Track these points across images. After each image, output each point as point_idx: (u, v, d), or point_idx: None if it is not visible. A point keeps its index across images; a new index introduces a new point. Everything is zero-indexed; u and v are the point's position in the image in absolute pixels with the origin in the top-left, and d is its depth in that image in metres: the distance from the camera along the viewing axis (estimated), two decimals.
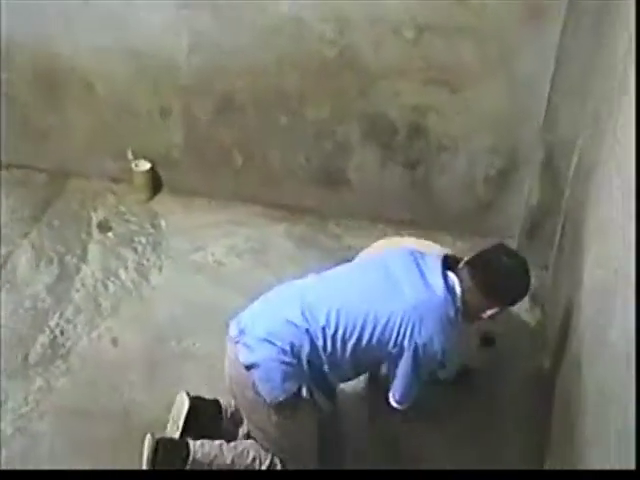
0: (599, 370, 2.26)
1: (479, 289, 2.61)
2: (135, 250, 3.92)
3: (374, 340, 2.59)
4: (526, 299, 3.60)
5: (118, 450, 3.02)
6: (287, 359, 2.60)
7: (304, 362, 2.61)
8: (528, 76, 3.45)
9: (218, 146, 4.00)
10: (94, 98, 4.00)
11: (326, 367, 2.65)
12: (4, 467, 3.00)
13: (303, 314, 2.62)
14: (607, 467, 1.96)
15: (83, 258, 3.87)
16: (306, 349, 2.60)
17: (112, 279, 3.77)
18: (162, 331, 3.50)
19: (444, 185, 3.86)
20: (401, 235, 3.95)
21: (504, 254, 2.68)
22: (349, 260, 3.79)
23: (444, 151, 3.75)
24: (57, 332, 3.52)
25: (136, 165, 4.13)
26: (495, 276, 2.63)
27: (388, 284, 2.64)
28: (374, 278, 2.69)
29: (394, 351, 2.61)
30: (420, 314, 2.56)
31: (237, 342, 2.69)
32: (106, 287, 3.73)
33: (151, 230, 4.04)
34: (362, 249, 3.87)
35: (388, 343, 2.60)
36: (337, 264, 3.76)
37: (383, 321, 2.57)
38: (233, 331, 2.73)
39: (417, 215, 3.99)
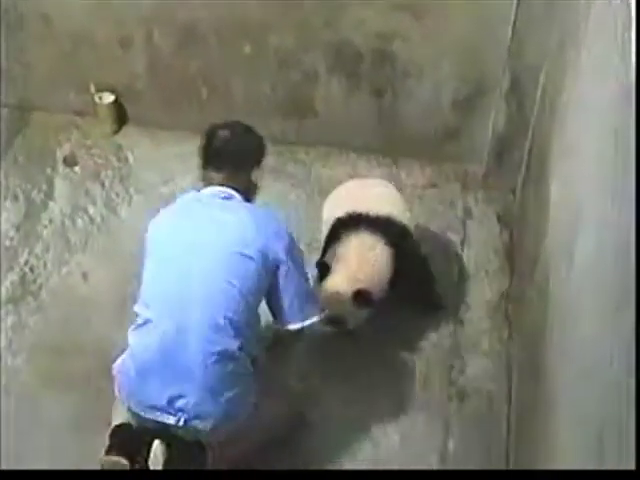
0: (565, 292, 2.31)
1: (228, 172, 2.70)
2: (102, 184, 3.89)
3: (254, 283, 2.58)
4: (495, 223, 3.70)
5: (91, 385, 3.06)
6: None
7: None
8: (494, 2, 3.41)
9: (182, 77, 3.93)
10: (51, 30, 3.89)
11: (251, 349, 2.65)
12: None
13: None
14: (570, 380, 2.03)
15: (50, 194, 3.83)
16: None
17: (80, 214, 3.75)
18: (133, 265, 3.47)
19: (411, 112, 3.84)
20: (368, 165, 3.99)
21: (220, 131, 2.80)
22: (321, 191, 3.84)
23: (410, 78, 3.72)
24: (27, 269, 3.51)
25: (99, 98, 4.05)
26: (218, 149, 2.75)
27: (212, 233, 2.61)
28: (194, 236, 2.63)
29: (271, 271, 2.62)
30: (256, 227, 2.60)
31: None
32: (74, 222, 3.71)
33: (118, 164, 4.00)
34: (331, 178, 3.91)
35: (267, 273, 2.60)
36: (306, 194, 3.84)
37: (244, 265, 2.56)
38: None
39: (385, 143, 3.99)
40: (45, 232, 3.66)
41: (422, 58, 3.65)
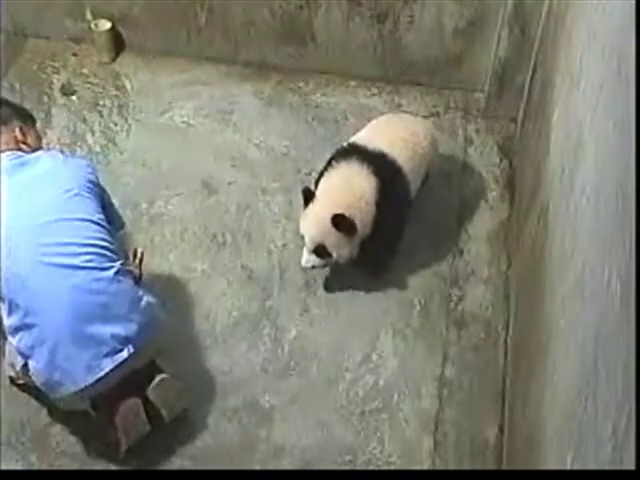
0: (565, 217, 2.31)
1: None
2: (101, 114, 3.85)
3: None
4: (496, 152, 3.68)
5: None
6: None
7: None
8: None
9: (180, 2, 3.86)
10: None
11: None
12: None
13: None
14: (567, 303, 2.04)
15: (48, 123, 3.79)
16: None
17: (79, 144, 3.72)
18: (132, 195, 3.50)
19: (412, 38, 3.78)
20: (372, 94, 3.94)
21: None
22: (320, 120, 3.81)
23: (412, 3, 3.64)
24: None
25: (96, 25, 3.98)
26: None
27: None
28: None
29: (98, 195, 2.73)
30: (58, 170, 2.69)
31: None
32: (73, 151, 3.68)
33: (116, 92, 3.95)
34: (330, 107, 3.88)
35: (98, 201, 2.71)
36: (306, 123, 3.81)
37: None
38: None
39: (386, 70, 3.94)
40: None
41: None
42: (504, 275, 3.30)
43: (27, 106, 3.76)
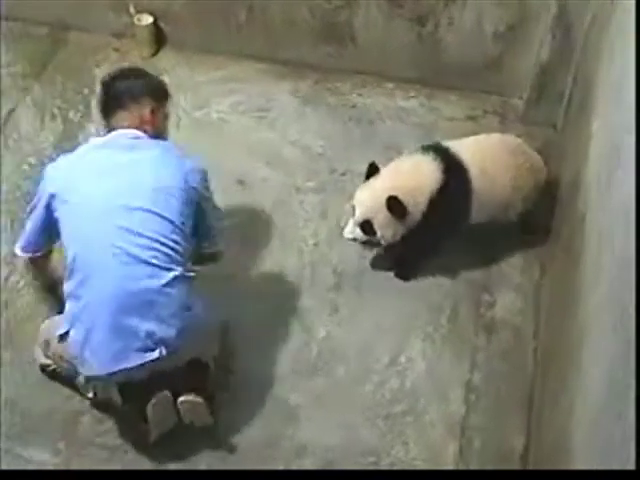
0: (601, 230, 2.29)
1: (121, 111, 2.72)
2: None
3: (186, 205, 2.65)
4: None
5: None
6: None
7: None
8: None
9: (221, 0, 3.88)
10: None
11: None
12: (18, 317, 3.11)
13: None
14: (600, 309, 2.02)
15: (87, 115, 3.83)
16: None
17: None
18: None
19: (452, 41, 3.76)
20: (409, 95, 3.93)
21: (106, 79, 2.85)
22: (356, 120, 3.81)
23: (453, 5, 3.62)
24: None
25: (138, 19, 4.02)
26: (109, 92, 2.77)
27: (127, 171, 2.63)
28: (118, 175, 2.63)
29: (194, 200, 2.68)
30: (164, 160, 2.65)
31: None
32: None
33: None
34: (367, 107, 3.87)
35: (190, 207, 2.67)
36: (342, 123, 3.80)
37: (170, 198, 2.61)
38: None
39: (424, 73, 3.92)
40: None
41: None
42: (536, 282, 3.28)
43: (67, 97, 3.87)
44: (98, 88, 2.84)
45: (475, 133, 3.69)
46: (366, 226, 3.08)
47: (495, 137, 3.39)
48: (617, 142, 2.23)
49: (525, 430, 2.87)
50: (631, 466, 1.34)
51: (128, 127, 2.70)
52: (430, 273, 3.30)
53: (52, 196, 2.64)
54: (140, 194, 2.59)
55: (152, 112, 2.75)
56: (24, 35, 4.13)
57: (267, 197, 3.54)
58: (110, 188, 2.59)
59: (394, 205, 3.00)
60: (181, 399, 2.67)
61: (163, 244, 2.57)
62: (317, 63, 4.00)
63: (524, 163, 3.22)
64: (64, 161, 2.74)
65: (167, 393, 2.66)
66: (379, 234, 3.08)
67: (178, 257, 2.60)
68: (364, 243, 3.18)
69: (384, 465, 2.81)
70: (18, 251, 2.83)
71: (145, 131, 2.72)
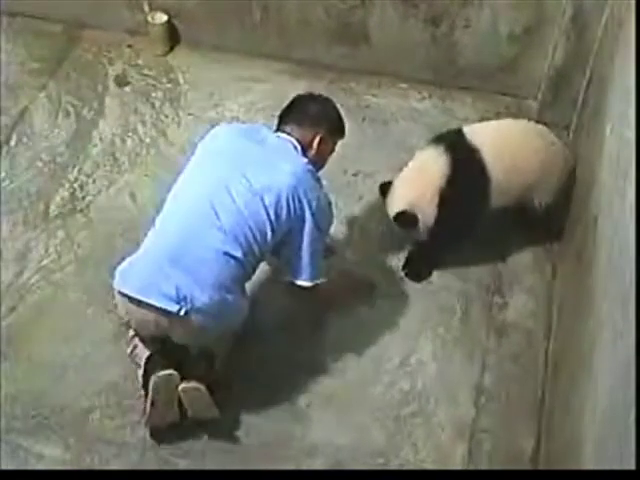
0: (613, 234, 2.27)
1: (295, 123, 2.83)
2: (153, 105, 3.89)
3: (276, 225, 2.69)
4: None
5: None
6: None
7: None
8: None
9: None
10: None
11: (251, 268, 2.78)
12: (29, 314, 3.12)
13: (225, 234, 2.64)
14: (613, 311, 2.01)
15: (100, 112, 3.85)
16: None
17: (130, 134, 3.77)
18: None
19: (467, 43, 3.75)
20: (421, 96, 3.92)
21: (303, 95, 3.00)
22: (370, 121, 3.80)
23: (468, 6, 3.62)
24: (76, 186, 3.56)
25: (152, 17, 4.03)
26: (298, 106, 2.90)
27: (254, 166, 2.71)
28: (236, 166, 2.71)
29: (296, 226, 2.71)
30: (297, 179, 2.69)
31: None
32: (124, 142, 3.73)
33: (168, 85, 3.99)
34: (380, 107, 3.87)
35: (289, 221, 2.70)
36: (356, 124, 3.80)
37: (275, 203, 2.66)
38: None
39: (438, 74, 3.92)
40: (95, 150, 3.70)
41: None
42: (548, 285, 3.26)
43: (81, 94, 3.88)
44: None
45: None
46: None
47: (522, 121, 3.37)
48: (630, 147, 2.21)
49: (535, 433, 2.86)
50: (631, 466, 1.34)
51: (294, 138, 2.81)
52: (441, 274, 3.29)
53: (196, 145, 2.86)
54: (257, 182, 2.66)
55: (321, 140, 2.84)
56: (39, 32, 4.15)
57: None
58: (237, 165, 2.70)
59: (402, 220, 3.10)
60: (182, 386, 2.67)
61: (249, 227, 2.63)
62: (332, 63, 4.00)
63: (553, 146, 3.20)
64: (226, 126, 2.94)
65: (174, 373, 2.67)
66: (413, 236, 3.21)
67: (248, 248, 2.65)
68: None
69: (393, 466, 2.80)
70: None
71: (305, 152, 2.81)
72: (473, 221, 3.16)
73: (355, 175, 3.60)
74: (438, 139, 3.19)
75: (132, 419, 2.85)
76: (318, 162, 2.88)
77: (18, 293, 3.19)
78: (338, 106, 2.98)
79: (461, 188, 3.05)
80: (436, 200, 3.06)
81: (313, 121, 2.85)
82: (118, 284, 2.67)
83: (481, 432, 2.89)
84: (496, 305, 3.22)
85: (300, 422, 2.89)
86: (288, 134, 2.82)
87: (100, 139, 3.74)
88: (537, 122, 3.42)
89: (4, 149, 3.66)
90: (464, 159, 3.07)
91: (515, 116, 3.82)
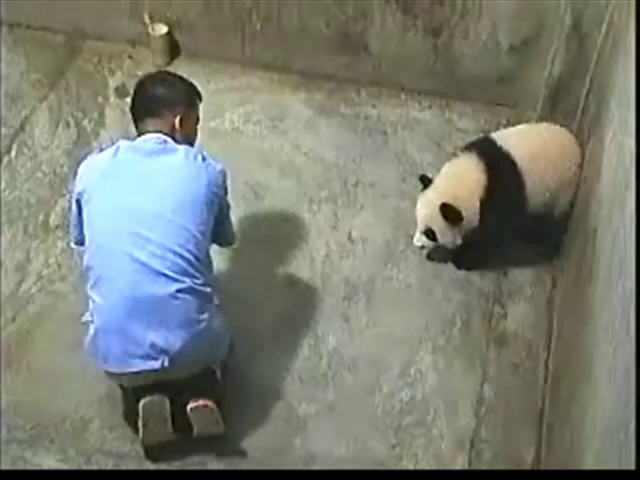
0: (612, 245, 2.27)
1: (149, 116, 2.73)
2: None
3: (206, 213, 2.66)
4: None
5: None
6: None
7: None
8: None
9: (235, 9, 3.89)
10: None
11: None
12: (30, 324, 3.12)
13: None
14: (610, 327, 2.01)
15: (101, 123, 3.86)
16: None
17: None
18: None
19: (466, 53, 3.76)
20: (420, 104, 3.93)
21: (141, 82, 2.86)
22: (369, 131, 3.81)
23: (468, 17, 3.63)
24: None
25: (153, 29, 4.05)
26: (142, 97, 2.79)
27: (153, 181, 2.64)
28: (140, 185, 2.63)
29: (213, 210, 2.70)
30: (191, 175, 2.65)
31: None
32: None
33: None
34: (381, 119, 3.87)
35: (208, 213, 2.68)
36: (356, 134, 3.81)
37: (186, 212, 2.61)
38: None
39: (438, 84, 3.92)
40: None
41: None
42: (547, 295, 3.26)
43: (81, 105, 3.89)
44: (132, 91, 2.85)
45: None
46: (429, 234, 3.17)
47: (550, 125, 3.38)
48: (630, 157, 2.21)
49: (535, 443, 2.86)
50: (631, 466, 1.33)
51: (158, 132, 2.71)
52: (441, 285, 3.29)
53: (80, 193, 2.68)
54: (160, 201, 2.60)
55: (182, 119, 2.75)
56: (40, 43, 4.16)
57: (279, 207, 3.54)
58: (131, 193, 2.61)
59: (448, 212, 3.09)
60: (191, 406, 2.66)
61: (176, 253, 2.56)
62: (331, 73, 4.01)
63: (578, 150, 3.22)
64: (94, 160, 2.77)
65: (164, 398, 2.65)
66: (440, 240, 3.18)
67: (191, 269, 2.59)
68: (436, 246, 3.26)
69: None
70: (72, 244, 2.89)
71: (174, 137, 2.72)
72: (510, 227, 3.21)
73: (355, 185, 3.61)
74: (472, 146, 3.22)
75: (131, 430, 2.84)
76: (189, 138, 2.81)
77: (18, 303, 3.19)
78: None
79: (499, 194, 3.09)
80: (477, 204, 3.09)
81: (165, 107, 2.74)
82: (99, 364, 2.65)
83: (481, 442, 2.88)
84: (496, 315, 3.22)
85: (299, 432, 2.89)
86: (149, 131, 2.71)
87: (100, 149, 3.73)
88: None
89: (5, 159, 3.67)
90: (500, 166, 3.10)
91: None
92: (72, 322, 3.11)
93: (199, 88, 2.74)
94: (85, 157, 3.61)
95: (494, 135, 3.26)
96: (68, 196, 3.54)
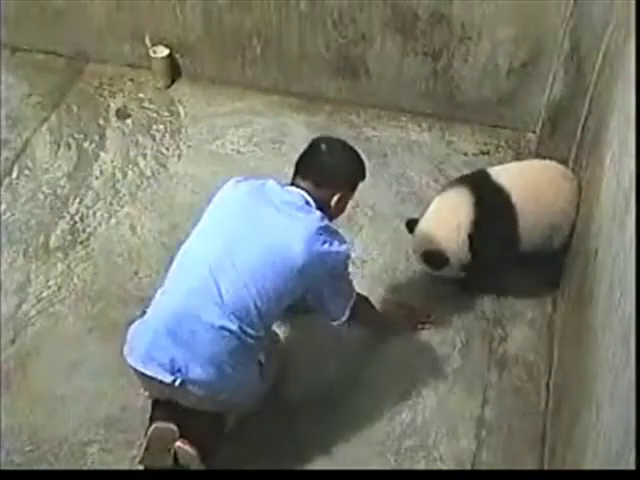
0: (613, 267, 2.27)
1: (312, 182, 2.65)
2: (153, 138, 3.92)
3: (295, 288, 2.60)
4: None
5: None
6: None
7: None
8: None
9: (236, 32, 3.92)
10: None
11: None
12: (29, 346, 3.11)
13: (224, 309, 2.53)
14: (612, 351, 2.00)
15: (102, 145, 3.87)
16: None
17: (131, 166, 3.78)
18: (180, 219, 3.53)
19: (466, 76, 3.78)
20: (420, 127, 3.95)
21: (322, 143, 2.75)
22: (370, 154, 3.82)
23: (467, 41, 3.65)
24: (77, 218, 3.56)
25: (154, 51, 4.07)
26: (315, 160, 2.70)
27: (271, 229, 2.57)
28: (251, 227, 2.59)
29: (314, 285, 2.65)
30: (309, 243, 2.54)
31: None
32: (125, 174, 3.75)
33: (169, 118, 4.01)
34: (381, 141, 3.89)
35: (304, 285, 2.61)
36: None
37: (285, 272, 2.53)
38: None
39: (437, 107, 3.94)
40: (96, 183, 3.71)
41: (480, 20, 3.57)
42: (548, 318, 3.26)
43: (82, 127, 3.90)
44: (306, 145, 2.79)
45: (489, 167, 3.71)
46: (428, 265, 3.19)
47: (544, 162, 3.38)
48: (629, 178, 2.22)
49: (537, 467, 2.84)
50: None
51: (307, 194, 2.64)
52: (442, 307, 3.28)
53: (212, 202, 2.73)
54: (260, 249, 2.53)
55: (341, 198, 2.69)
56: (41, 66, 4.19)
57: None
58: (244, 227, 2.58)
59: (432, 259, 3.10)
60: (177, 444, 2.62)
61: (244, 299, 2.51)
62: (331, 96, 4.03)
63: (573, 187, 3.20)
64: (243, 183, 2.74)
65: (175, 429, 2.63)
66: (439, 273, 3.19)
67: (249, 318, 2.53)
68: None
69: None
70: None
71: (323, 209, 2.64)
72: (502, 264, 3.19)
73: (355, 207, 3.61)
74: (464, 179, 3.21)
75: (130, 454, 2.82)
76: (335, 216, 2.75)
77: (18, 325, 3.18)
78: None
79: (489, 228, 3.06)
80: (466, 240, 3.06)
81: (332, 180, 2.66)
82: (126, 354, 2.63)
83: (482, 466, 2.86)
84: (497, 338, 3.21)
85: (299, 454, 2.87)
86: (303, 189, 2.65)
87: (101, 172, 3.75)
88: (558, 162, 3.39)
89: (6, 181, 3.68)
90: (492, 200, 3.08)
91: (516, 149, 3.86)
92: (71, 344, 3.13)
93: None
94: (86, 179, 3.70)
95: (490, 170, 3.22)
96: (69, 218, 3.56)
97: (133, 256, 3.42)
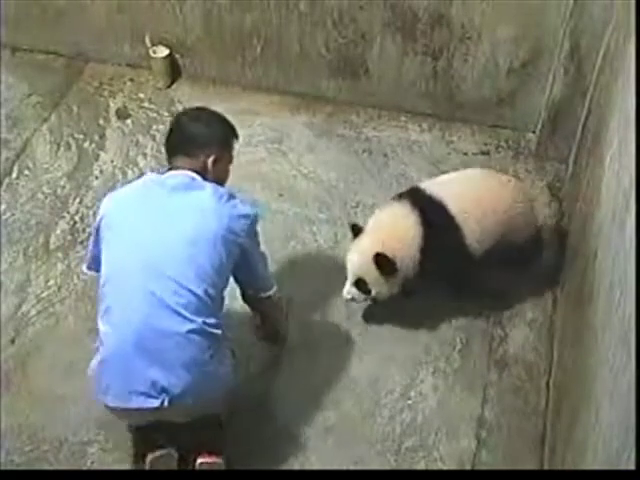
0: (613, 268, 2.27)
1: (183, 154, 2.65)
2: (153, 138, 3.92)
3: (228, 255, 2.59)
4: (546, 193, 3.64)
5: None
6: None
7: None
8: None
9: (236, 32, 3.92)
10: None
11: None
12: (29, 346, 3.11)
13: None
14: (612, 349, 2.00)
15: (102, 145, 3.87)
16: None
17: (131, 166, 3.79)
18: None
19: (466, 76, 3.78)
20: (420, 127, 3.95)
21: (180, 116, 2.81)
22: (370, 153, 3.83)
23: (467, 41, 3.65)
24: (77, 218, 3.57)
25: (154, 52, 4.07)
26: (179, 133, 2.71)
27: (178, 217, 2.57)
28: (164, 220, 2.57)
29: (238, 254, 2.64)
30: (213, 217, 2.56)
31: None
32: (125, 174, 3.75)
33: (169, 118, 3.99)
34: (381, 141, 3.89)
35: (229, 257, 2.60)
36: (356, 156, 3.82)
37: (207, 252, 2.54)
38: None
39: (438, 106, 3.94)
40: (96, 182, 3.71)
41: (480, 20, 3.58)
42: (548, 318, 3.25)
43: (82, 127, 3.90)
44: (168, 125, 2.80)
45: (488, 167, 3.71)
46: (361, 285, 3.04)
47: (475, 169, 3.35)
48: (629, 178, 2.21)
49: (537, 467, 2.84)
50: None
51: (188, 169, 2.64)
52: (441, 307, 3.28)
53: (100, 220, 2.65)
54: (179, 238, 2.53)
55: (215, 160, 2.68)
56: (42, 66, 4.20)
57: (280, 228, 3.54)
58: (150, 226, 2.56)
59: (382, 262, 2.97)
60: (200, 461, 2.63)
61: (191, 291, 2.50)
62: (331, 96, 4.03)
63: (517, 188, 3.19)
64: (119, 191, 2.73)
65: (172, 451, 2.63)
66: (373, 292, 3.05)
67: (204, 308, 2.52)
68: (365, 300, 3.14)
69: None
70: (84, 268, 2.83)
71: (205, 177, 2.65)
72: (456, 271, 3.14)
73: (355, 207, 3.61)
74: (403, 195, 3.13)
75: (130, 453, 2.82)
76: (220, 178, 2.73)
77: (18, 325, 3.18)
78: (221, 111, 2.81)
79: (437, 240, 3.01)
80: (417, 257, 3.00)
81: (199, 145, 2.66)
82: (99, 396, 2.59)
83: (482, 466, 2.86)
84: (497, 338, 3.21)
85: (298, 454, 2.87)
86: (180, 168, 2.64)
87: (101, 171, 3.75)
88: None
89: (6, 181, 3.68)
90: (434, 212, 3.03)
91: (515, 149, 3.86)
92: (71, 344, 3.13)
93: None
94: (86, 179, 3.70)
95: (423, 185, 3.16)
96: (69, 218, 3.56)
97: None
